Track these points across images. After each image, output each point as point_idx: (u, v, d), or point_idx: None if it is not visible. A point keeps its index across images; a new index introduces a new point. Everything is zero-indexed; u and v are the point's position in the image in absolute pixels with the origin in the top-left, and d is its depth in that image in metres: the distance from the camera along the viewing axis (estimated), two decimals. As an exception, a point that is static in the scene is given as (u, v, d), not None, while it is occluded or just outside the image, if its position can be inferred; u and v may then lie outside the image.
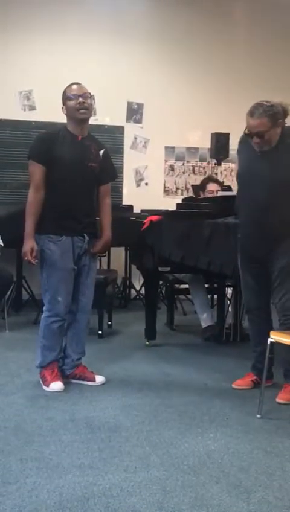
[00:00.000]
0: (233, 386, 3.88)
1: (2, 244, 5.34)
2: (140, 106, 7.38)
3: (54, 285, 3.70)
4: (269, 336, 3.36)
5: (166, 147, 7.49)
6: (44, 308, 3.81)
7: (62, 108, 3.71)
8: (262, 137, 3.48)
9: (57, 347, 3.79)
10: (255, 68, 7.39)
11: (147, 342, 4.91)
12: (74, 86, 3.69)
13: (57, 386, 3.71)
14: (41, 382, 3.77)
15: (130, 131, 7.37)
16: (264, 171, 3.53)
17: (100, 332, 5.15)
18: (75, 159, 3.68)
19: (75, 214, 3.72)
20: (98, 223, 3.87)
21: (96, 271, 3.97)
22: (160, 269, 4.83)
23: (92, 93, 3.72)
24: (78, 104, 3.63)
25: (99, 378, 3.88)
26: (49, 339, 3.76)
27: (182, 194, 7.42)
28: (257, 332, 3.84)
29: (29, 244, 3.63)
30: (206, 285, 5.39)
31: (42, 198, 3.66)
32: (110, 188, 3.94)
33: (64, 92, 3.70)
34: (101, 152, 3.82)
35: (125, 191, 7.27)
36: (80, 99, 3.63)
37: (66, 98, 3.68)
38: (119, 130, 7.30)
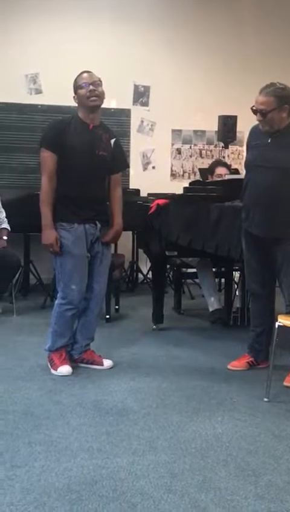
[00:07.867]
0: (228, 367, 3.91)
1: (9, 229, 5.34)
2: (147, 89, 7.32)
3: (68, 273, 3.69)
4: (272, 318, 3.36)
5: (173, 130, 7.43)
6: (58, 295, 3.80)
7: (74, 97, 3.70)
8: (264, 116, 3.48)
9: (68, 333, 3.80)
10: (263, 50, 7.30)
11: (155, 326, 4.91)
12: (85, 74, 3.68)
13: (65, 369, 3.72)
14: (49, 366, 3.79)
15: (137, 114, 7.31)
16: (274, 156, 3.53)
17: (108, 316, 5.15)
18: (85, 147, 3.66)
19: (87, 201, 3.70)
20: (109, 211, 3.86)
21: (110, 258, 3.96)
22: (167, 253, 4.82)
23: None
24: (89, 92, 3.62)
25: (107, 362, 3.90)
26: (61, 325, 3.77)
27: (189, 178, 7.36)
28: (259, 313, 3.84)
29: (53, 235, 3.62)
30: (214, 269, 5.38)
31: (55, 186, 3.66)
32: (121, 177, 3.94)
33: (76, 81, 3.69)
34: (112, 141, 3.80)
35: (132, 175, 7.23)
36: (91, 87, 3.62)
37: (77, 86, 3.67)
38: (126, 113, 7.23)
